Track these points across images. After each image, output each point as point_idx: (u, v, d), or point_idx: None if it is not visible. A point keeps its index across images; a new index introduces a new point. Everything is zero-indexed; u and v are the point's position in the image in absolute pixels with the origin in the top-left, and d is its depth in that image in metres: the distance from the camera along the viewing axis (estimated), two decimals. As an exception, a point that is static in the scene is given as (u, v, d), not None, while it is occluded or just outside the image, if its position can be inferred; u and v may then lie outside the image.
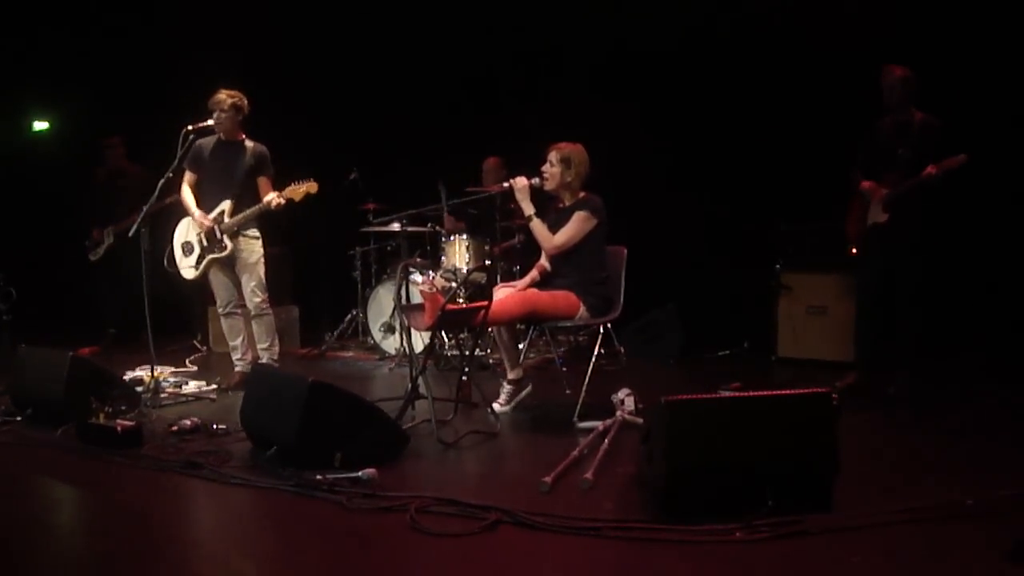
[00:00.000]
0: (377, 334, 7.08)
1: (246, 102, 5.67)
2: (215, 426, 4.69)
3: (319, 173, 5.70)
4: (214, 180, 5.74)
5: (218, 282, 5.86)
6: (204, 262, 5.77)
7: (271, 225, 5.94)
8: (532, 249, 6.20)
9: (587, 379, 4.98)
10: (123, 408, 4.93)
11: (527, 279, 5.18)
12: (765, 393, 3.47)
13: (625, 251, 5.12)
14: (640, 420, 4.51)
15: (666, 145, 7.17)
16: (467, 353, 5.52)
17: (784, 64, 6.75)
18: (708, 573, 2.89)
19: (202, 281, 5.93)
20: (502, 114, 7.53)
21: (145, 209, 5.44)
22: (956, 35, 6.09)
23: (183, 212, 5.86)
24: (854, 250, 5.56)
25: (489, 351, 6.58)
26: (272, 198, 5.52)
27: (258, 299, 5.76)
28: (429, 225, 7.08)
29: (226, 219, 5.65)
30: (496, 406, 5.07)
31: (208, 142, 5.76)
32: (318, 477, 3.70)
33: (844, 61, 6.25)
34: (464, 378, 5.15)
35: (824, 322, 6.39)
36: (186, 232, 5.89)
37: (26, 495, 3.92)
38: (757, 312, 6.74)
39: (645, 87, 7.30)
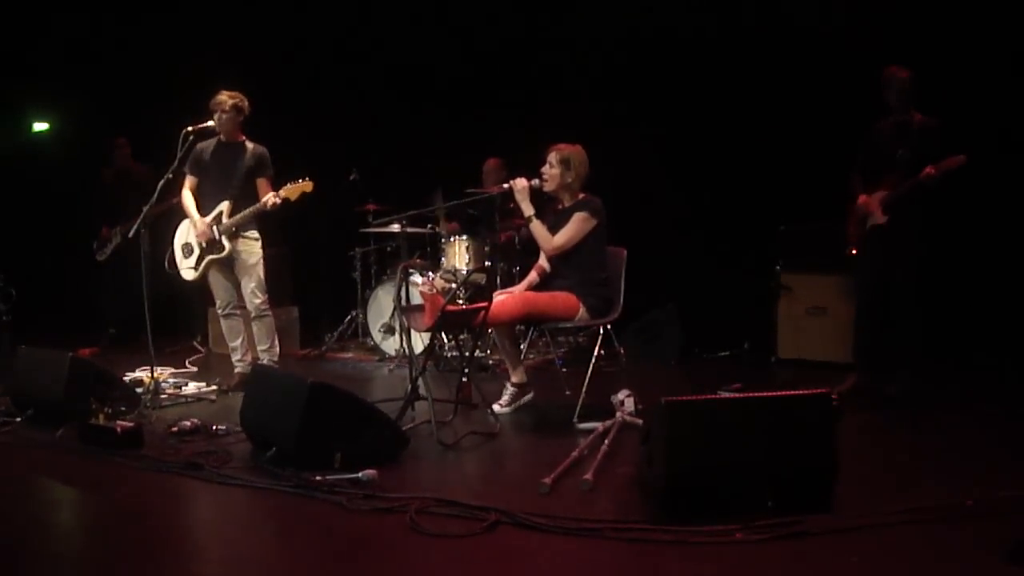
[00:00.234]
0: (377, 335, 7.08)
1: (247, 103, 5.67)
2: (215, 427, 4.68)
3: (319, 174, 5.69)
4: (214, 181, 5.74)
5: (217, 283, 5.86)
6: (203, 263, 5.77)
7: (271, 226, 5.93)
8: (531, 250, 6.20)
9: (587, 380, 4.98)
10: (123, 409, 4.93)
11: (525, 283, 5.19)
12: (765, 394, 3.48)
13: (625, 252, 5.12)
14: (640, 421, 4.51)
15: (666, 146, 7.17)
16: (467, 354, 5.52)
17: (783, 65, 6.74)
18: (708, 574, 2.88)
19: (202, 282, 5.93)
20: (502, 115, 7.52)
21: (145, 210, 5.45)
22: (955, 36, 6.09)
23: (184, 214, 5.87)
24: (853, 251, 5.56)
25: (489, 352, 6.58)
26: (268, 198, 5.52)
27: (258, 300, 5.76)
28: (429, 226, 7.08)
29: (224, 220, 5.65)
30: (496, 407, 5.07)
31: (208, 144, 5.76)
32: (318, 478, 3.70)
33: (843, 62, 6.25)
34: (464, 379, 5.14)
35: (824, 323, 6.39)
36: (186, 234, 5.89)
37: (26, 496, 3.92)
38: (757, 313, 6.74)
39: (645, 88, 7.30)
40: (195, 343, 7.66)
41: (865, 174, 5.42)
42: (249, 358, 5.93)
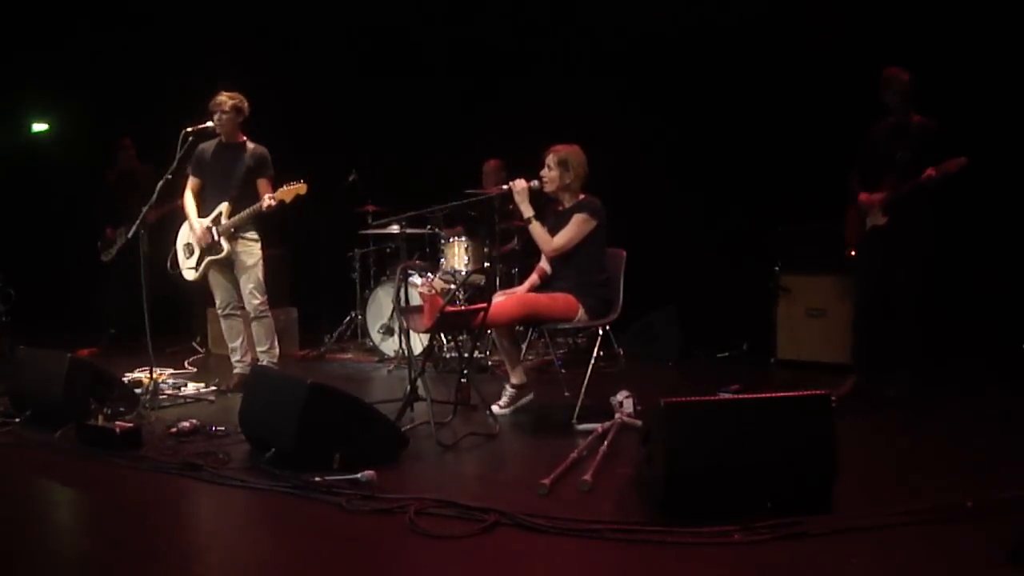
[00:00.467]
0: (376, 336, 7.08)
1: (246, 104, 5.67)
2: (214, 428, 4.69)
3: (318, 175, 5.70)
4: (214, 182, 5.75)
5: (217, 284, 5.86)
6: (203, 264, 5.77)
7: (270, 227, 5.93)
8: (531, 252, 6.20)
9: (586, 381, 4.97)
10: (122, 410, 4.94)
11: (526, 284, 5.19)
12: (764, 395, 3.47)
13: (624, 253, 5.12)
14: (639, 422, 4.51)
15: (665, 147, 7.18)
16: (466, 355, 5.52)
17: (783, 66, 6.75)
18: (707, 575, 2.88)
19: (202, 283, 5.93)
20: (502, 116, 7.53)
21: (143, 211, 5.46)
22: (954, 36, 6.09)
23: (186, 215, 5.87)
24: (852, 252, 5.56)
25: (488, 353, 6.57)
26: (264, 200, 5.51)
27: (256, 301, 5.76)
28: (428, 227, 7.08)
29: (223, 221, 5.65)
30: (496, 408, 5.07)
31: (209, 145, 5.78)
32: (317, 479, 3.70)
33: (842, 63, 6.26)
34: (463, 380, 5.14)
35: (823, 324, 6.38)
36: (188, 234, 5.89)
37: (25, 496, 3.92)
38: (756, 314, 6.74)
39: (645, 88, 7.30)
40: (194, 344, 7.66)
41: (864, 175, 5.42)
42: (248, 359, 5.93)
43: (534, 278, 5.22)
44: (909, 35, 6.08)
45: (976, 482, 3.61)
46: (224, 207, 5.66)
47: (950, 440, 4.52)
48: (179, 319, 7.87)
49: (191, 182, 5.84)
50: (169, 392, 5.76)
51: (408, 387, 4.85)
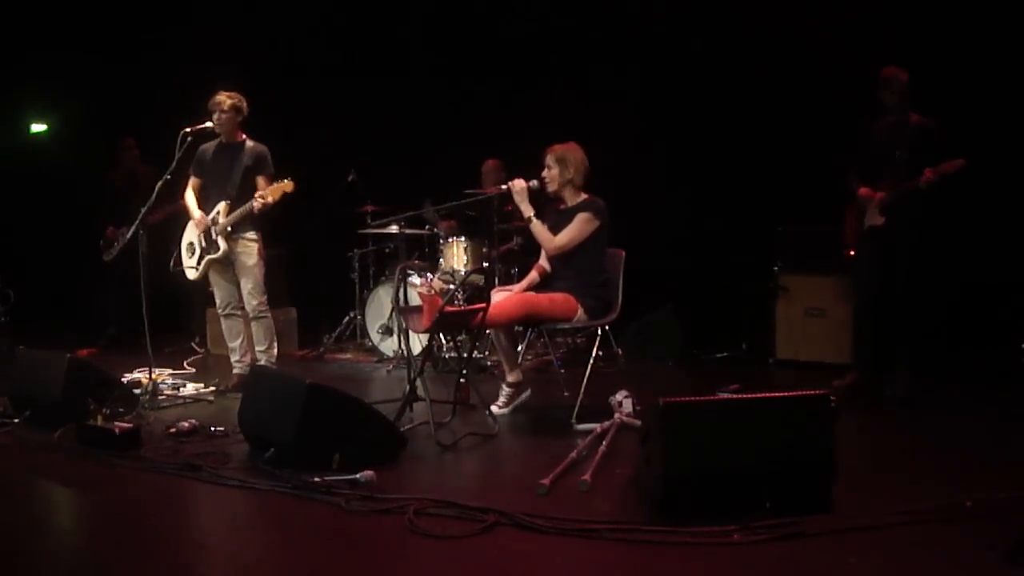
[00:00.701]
0: (375, 336, 7.08)
1: (245, 103, 5.67)
2: (213, 428, 4.68)
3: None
4: (214, 182, 5.76)
5: (217, 283, 5.86)
6: (203, 263, 5.77)
7: (270, 226, 5.93)
8: (531, 251, 6.20)
9: (585, 381, 4.97)
10: (121, 410, 4.94)
11: (525, 282, 5.18)
12: (763, 395, 3.47)
13: (623, 253, 5.13)
14: (638, 422, 4.52)
15: (665, 147, 7.18)
16: (465, 355, 5.52)
17: (782, 66, 6.75)
18: (706, 574, 2.88)
19: (203, 283, 5.93)
20: (501, 115, 7.53)
21: (143, 211, 5.46)
22: (953, 36, 6.09)
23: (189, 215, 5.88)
24: (851, 252, 5.56)
25: (487, 353, 6.57)
26: (253, 200, 5.50)
27: (255, 301, 5.76)
28: (427, 227, 7.08)
29: (220, 219, 5.65)
30: (494, 408, 5.07)
31: (210, 146, 5.78)
32: (316, 479, 3.70)
33: (841, 63, 6.25)
34: (462, 380, 5.14)
35: (822, 324, 6.39)
36: (191, 233, 5.90)
37: (24, 497, 3.92)
38: (755, 314, 6.74)
39: (644, 88, 7.30)
40: (193, 344, 7.65)
41: (862, 175, 5.43)
42: (248, 359, 5.92)
43: (533, 275, 5.22)
44: (908, 35, 6.09)
45: (975, 482, 3.61)
46: (222, 206, 5.66)
47: (949, 440, 4.52)
48: (178, 319, 7.87)
49: (192, 182, 5.85)
50: (168, 392, 5.76)
51: (407, 387, 4.85)
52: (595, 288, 4.97)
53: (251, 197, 5.59)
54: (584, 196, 5.05)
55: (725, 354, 6.97)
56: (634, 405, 4.83)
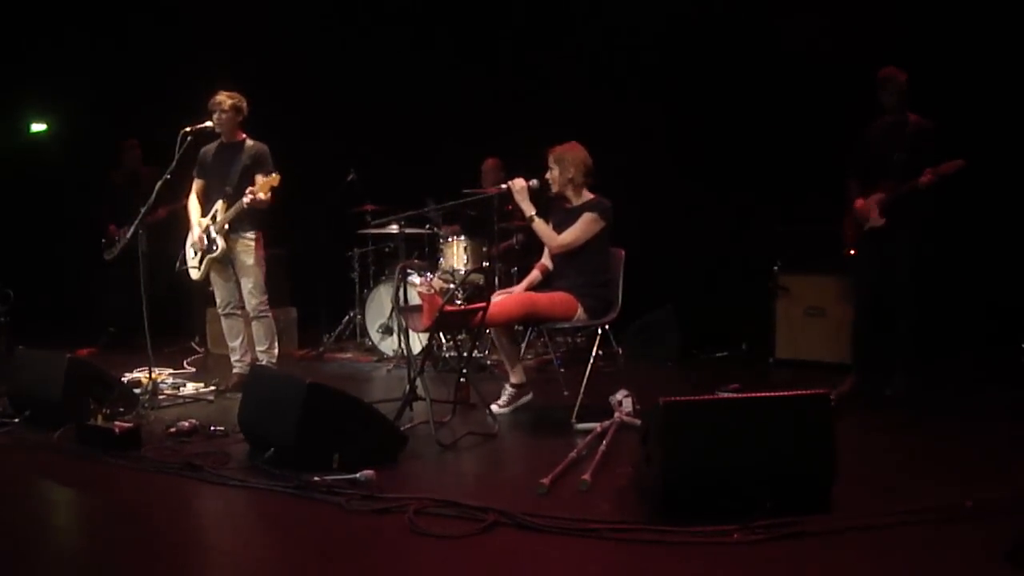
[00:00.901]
0: (375, 335, 7.08)
1: (245, 103, 5.68)
2: (213, 428, 4.69)
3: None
4: (214, 182, 5.76)
5: (218, 283, 5.86)
6: (204, 263, 5.77)
7: (269, 226, 5.93)
8: (530, 250, 6.20)
9: (585, 380, 4.97)
10: (121, 410, 4.93)
11: (526, 281, 5.19)
12: (763, 394, 3.47)
13: (623, 253, 5.13)
14: (638, 421, 4.51)
15: (665, 146, 7.17)
16: (465, 354, 5.52)
17: (781, 66, 6.75)
18: (706, 574, 2.89)
19: (203, 282, 5.93)
20: (501, 114, 7.53)
21: (143, 211, 5.46)
22: (951, 36, 6.10)
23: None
24: (852, 252, 5.56)
25: (487, 352, 6.57)
26: (244, 197, 5.50)
27: (256, 301, 5.76)
28: (427, 226, 7.08)
29: (218, 217, 5.66)
30: (495, 407, 5.07)
31: (211, 146, 5.80)
32: (316, 479, 3.70)
33: (840, 63, 6.26)
34: (462, 379, 5.15)
35: (822, 324, 6.39)
36: (193, 234, 5.89)
37: (24, 497, 3.92)
38: (755, 314, 6.74)
39: (644, 88, 7.30)
40: (193, 344, 7.65)
41: (860, 176, 5.42)
42: (248, 359, 5.92)
43: (535, 274, 5.22)
44: (906, 35, 6.08)
45: (975, 482, 3.61)
46: (220, 205, 5.66)
47: (949, 440, 4.52)
48: (178, 319, 7.87)
49: (195, 184, 5.86)
50: (168, 392, 5.76)
51: (407, 387, 4.85)
52: (596, 288, 4.97)
53: (248, 195, 5.59)
54: (590, 196, 5.05)
55: (725, 354, 6.97)
56: (634, 405, 4.83)
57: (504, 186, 5.18)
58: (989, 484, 3.54)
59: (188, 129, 5.46)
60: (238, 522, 3.60)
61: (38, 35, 8.35)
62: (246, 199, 5.47)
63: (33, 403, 4.90)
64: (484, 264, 6.59)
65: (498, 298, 4.95)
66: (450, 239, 6.70)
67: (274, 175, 5.49)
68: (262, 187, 5.47)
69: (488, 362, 6.50)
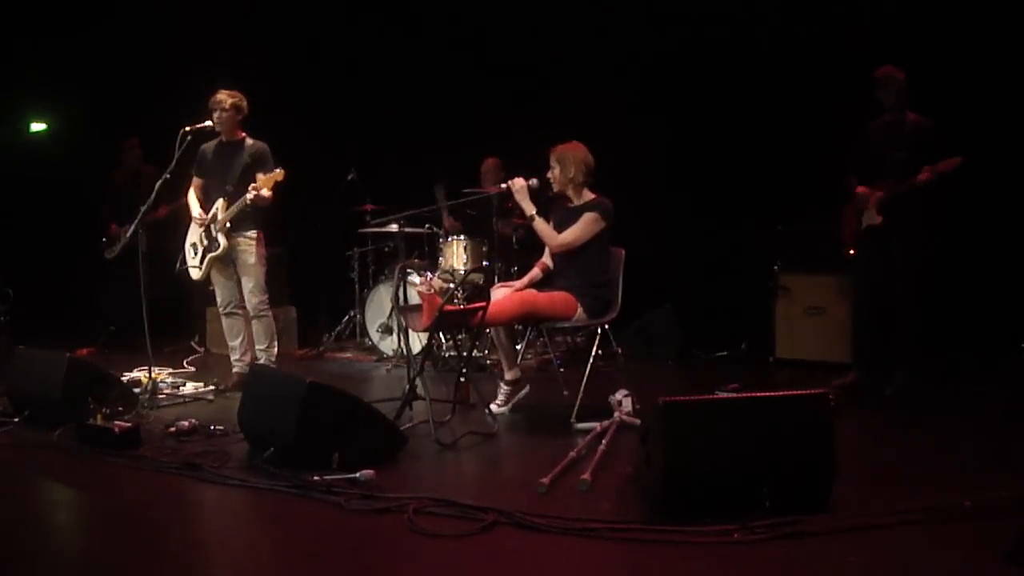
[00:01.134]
0: (375, 335, 7.08)
1: (246, 102, 5.68)
2: (213, 427, 4.68)
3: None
4: (214, 180, 5.77)
5: (219, 282, 5.86)
6: (206, 262, 5.77)
7: (270, 225, 5.93)
8: (530, 249, 6.19)
9: (585, 380, 4.97)
10: (121, 409, 4.94)
11: (526, 278, 5.18)
12: (763, 394, 3.47)
13: (623, 252, 5.13)
14: (638, 421, 4.52)
15: (665, 146, 7.17)
16: (465, 354, 5.52)
17: (781, 66, 6.75)
18: (706, 574, 2.88)
19: (206, 281, 5.93)
20: (501, 114, 7.53)
21: (143, 210, 5.46)
22: (950, 36, 6.10)
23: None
24: (851, 251, 5.56)
25: (487, 352, 6.57)
26: (248, 193, 5.50)
27: (256, 300, 5.76)
28: (427, 226, 7.08)
29: (219, 216, 5.66)
30: (494, 407, 5.07)
31: (211, 145, 5.80)
32: (316, 478, 3.70)
33: (839, 63, 6.26)
34: (462, 379, 5.15)
35: (822, 323, 6.39)
36: (193, 233, 5.89)
37: (24, 496, 3.92)
38: (755, 313, 6.74)
39: (644, 88, 7.30)
40: (193, 343, 7.66)
41: (859, 174, 5.42)
42: (248, 358, 5.92)
43: (535, 272, 5.22)
44: (905, 34, 6.09)
45: (974, 482, 3.61)
46: (220, 203, 5.67)
47: (948, 440, 4.52)
48: (178, 318, 7.87)
49: (194, 182, 5.87)
50: (168, 391, 5.76)
51: (407, 386, 4.85)
52: (595, 287, 4.97)
53: (250, 193, 5.59)
54: (592, 196, 5.05)
55: (725, 353, 6.97)
56: (634, 404, 4.83)
57: (504, 185, 5.19)
58: (989, 484, 3.53)
59: (188, 128, 5.46)
60: (238, 521, 3.60)
61: (38, 34, 8.35)
62: (250, 195, 5.47)
63: (33, 402, 4.90)
64: (484, 263, 6.59)
65: (498, 293, 4.95)
66: (450, 238, 6.70)
67: (278, 170, 5.50)
68: (265, 183, 5.48)
69: (488, 362, 6.50)
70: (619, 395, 4.90)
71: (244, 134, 5.75)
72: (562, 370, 6.01)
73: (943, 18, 6.14)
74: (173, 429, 4.65)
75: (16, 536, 3.37)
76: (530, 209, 5.04)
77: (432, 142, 7.78)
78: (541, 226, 5.04)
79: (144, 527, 3.45)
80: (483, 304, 4.72)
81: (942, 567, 2.90)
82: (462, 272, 6.46)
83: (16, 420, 4.89)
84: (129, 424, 4.47)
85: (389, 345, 6.96)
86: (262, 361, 5.77)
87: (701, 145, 7.11)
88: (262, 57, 7.91)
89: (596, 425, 4.53)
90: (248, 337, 5.92)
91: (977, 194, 5.81)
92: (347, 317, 7.61)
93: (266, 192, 5.47)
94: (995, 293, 6.21)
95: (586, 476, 3.70)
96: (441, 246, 6.79)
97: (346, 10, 8.20)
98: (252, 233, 5.74)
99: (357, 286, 7.54)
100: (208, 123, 5.58)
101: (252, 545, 3.31)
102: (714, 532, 3.09)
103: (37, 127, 8.86)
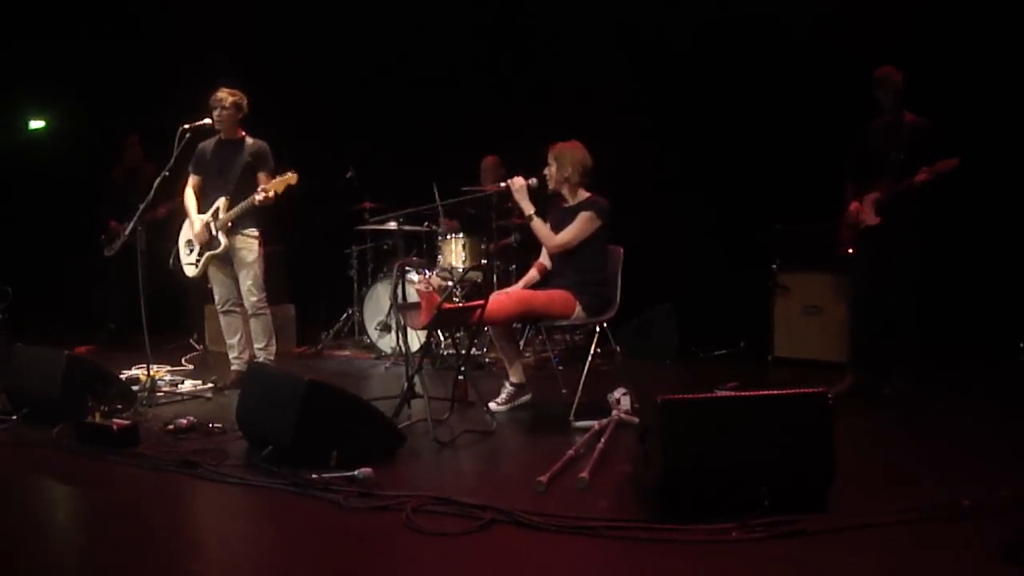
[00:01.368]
0: (373, 333, 7.08)
1: (246, 101, 5.67)
2: (211, 425, 4.68)
3: (316, 172, 5.69)
4: (213, 179, 5.76)
5: (217, 280, 5.86)
6: (203, 259, 5.77)
7: (269, 223, 5.93)
8: (529, 248, 6.19)
9: (583, 378, 4.97)
10: (119, 407, 4.93)
11: (524, 279, 5.19)
12: (761, 393, 3.47)
13: (621, 251, 5.12)
14: (636, 419, 4.52)
15: (663, 145, 7.17)
16: (463, 352, 5.52)
17: (780, 65, 6.76)
18: (704, 573, 2.88)
19: (201, 279, 5.93)
20: (500, 113, 7.53)
21: (141, 208, 5.46)
22: (949, 36, 6.10)
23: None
24: (850, 250, 5.56)
25: (486, 350, 6.57)
26: (256, 194, 5.49)
27: (254, 298, 5.76)
28: (426, 224, 7.08)
29: (220, 216, 5.65)
30: (493, 405, 5.07)
31: (209, 143, 5.78)
32: (314, 476, 3.69)
33: (839, 63, 6.26)
34: (460, 377, 5.14)
35: (820, 322, 6.39)
36: (189, 230, 5.89)
37: (22, 494, 3.91)
38: (753, 312, 6.74)
39: (643, 87, 7.30)
40: (191, 341, 7.65)
41: (858, 175, 5.42)
42: (246, 356, 5.91)
43: (533, 273, 5.22)
44: (904, 34, 6.08)
45: (973, 482, 3.61)
46: (221, 202, 5.66)
47: (947, 439, 4.52)
48: (176, 316, 7.86)
49: (192, 180, 5.85)
50: (166, 389, 5.76)
51: (405, 384, 4.85)
52: (594, 286, 4.97)
53: (251, 193, 5.57)
54: (587, 195, 5.04)
55: (723, 352, 6.98)
56: (632, 403, 4.83)
57: (503, 184, 5.18)
58: (986, 484, 3.53)
59: (187, 126, 5.45)
60: (235, 519, 3.59)
61: (37, 32, 8.34)
62: (259, 196, 5.46)
63: (31, 400, 4.90)
64: (482, 262, 6.59)
65: (496, 298, 4.95)
66: (448, 237, 6.70)
67: (291, 174, 5.48)
68: (277, 184, 5.46)
69: (486, 360, 6.50)
70: (617, 393, 4.89)
71: (244, 133, 5.75)
72: (560, 368, 6.01)
73: (943, 18, 6.14)
74: (171, 427, 4.64)
75: (15, 534, 3.37)
76: (529, 209, 5.03)
77: (432, 140, 7.78)
78: (539, 226, 5.04)
79: (142, 525, 3.45)
80: (481, 302, 4.71)
81: (941, 567, 2.89)
82: (460, 270, 6.45)
83: (15, 418, 4.88)
84: (127, 422, 4.46)
85: (387, 343, 6.96)
86: (260, 359, 5.77)
87: (701, 144, 7.11)
88: (262, 56, 7.90)
89: (595, 423, 4.53)
90: (246, 335, 5.91)
91: (976, 194, 5.81)
92: (345, 315, 7.61)
93: (273, 193, 5.46)
94: (994, 293, 6.21)
95: (584, 474, 3.69)
96: (440, 244, 6.79)
97: (345, 7, 8.19)
98: (253, 231, 5.73)
99: (356, 284, 7.55)
100: (207, 121, 5.58)
101: (250, 543, 3.31)
102: (712, 531, 3.09)
103: (36, 125, 8.85)
